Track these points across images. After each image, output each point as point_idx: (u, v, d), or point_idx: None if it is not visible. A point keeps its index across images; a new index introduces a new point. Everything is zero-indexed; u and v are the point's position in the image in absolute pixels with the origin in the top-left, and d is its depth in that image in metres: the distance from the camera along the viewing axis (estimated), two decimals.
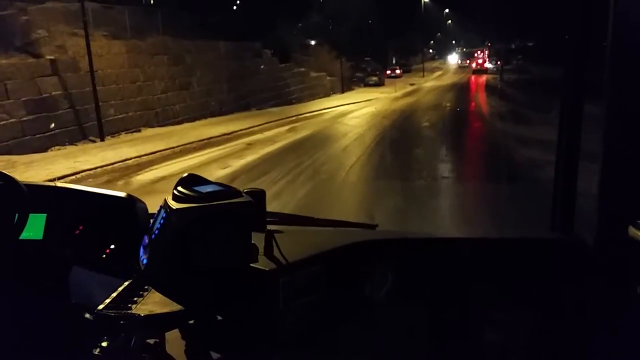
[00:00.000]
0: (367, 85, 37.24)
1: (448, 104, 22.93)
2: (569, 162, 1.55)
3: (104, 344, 1.16)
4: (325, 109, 22.52)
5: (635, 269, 1.21)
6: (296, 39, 33.28)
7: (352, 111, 21.31)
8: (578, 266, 1.47)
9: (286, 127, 15.77)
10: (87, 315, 1.27)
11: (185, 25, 20.24)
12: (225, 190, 1.23)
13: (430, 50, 72.57)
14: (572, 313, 1.48)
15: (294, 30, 34.71)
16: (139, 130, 15.55)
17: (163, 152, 11.63)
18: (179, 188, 1.22)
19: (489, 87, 33.20)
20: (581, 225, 1.54)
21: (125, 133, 15.04)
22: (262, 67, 24.97)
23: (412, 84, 37.71)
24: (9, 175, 1.36)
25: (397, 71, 45.58)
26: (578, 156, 1.54)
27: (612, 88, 1.28)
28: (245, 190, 1.30)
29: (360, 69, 41.63)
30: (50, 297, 1.38)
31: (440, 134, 13.66)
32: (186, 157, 11.00)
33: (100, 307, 1.25)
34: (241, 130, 15.10)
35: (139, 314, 1.21)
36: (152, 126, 16.31)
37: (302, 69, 29.90)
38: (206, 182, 1.27)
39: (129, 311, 1.22)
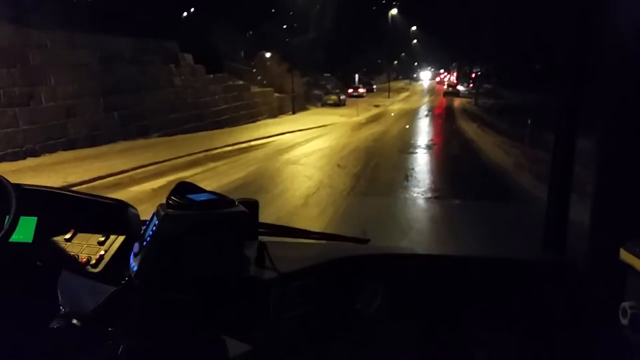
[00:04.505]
0: (325, 104, 31.76)
1: (430, 140, 16.64)
2: (562, 183, 1.58)
3: (92, 350, 1.13)
4: (259, 138, 15.94)
5: (624, 291, 1.19)
6: (236, 44, 26.85)
7: (295, 145, 14.80)
8: (569, 287, 1.49)
9: (166, 179, 9.04)
10: (75, 321, 1.21)
11: (47, 10, 13.38)
12: (219, 199, 1.24)
13: (395, 72, 68.20)
14: (562, 334, 1.50)
15: (243, 36, 28.61)
16: None
17: None
18: (172, 196, 1.21)
19: (469, 114, 27.82)
20: (573, 246, 1.50)
21: None
22: (181, 76, 18.30)
23: (376, 106, 32.13)
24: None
25: (360, 90, 39.99)
26: (572, 177, 1.55)
27: (606, 111, 1.33)
28: (238, 200, 1.30)
29: (318, 86, 36.07)
30: (37, 301, 1.31)
31: (437, 220, 7.14)
32: None
33: (89, 313, 1.21)
34: (73, 185, 8.26)
35: (127, 321, 1.18)
36: None
37: (240, 82, 23.27)
38: (200, 190, 1.27)
39: (118, 318, 1.19)
